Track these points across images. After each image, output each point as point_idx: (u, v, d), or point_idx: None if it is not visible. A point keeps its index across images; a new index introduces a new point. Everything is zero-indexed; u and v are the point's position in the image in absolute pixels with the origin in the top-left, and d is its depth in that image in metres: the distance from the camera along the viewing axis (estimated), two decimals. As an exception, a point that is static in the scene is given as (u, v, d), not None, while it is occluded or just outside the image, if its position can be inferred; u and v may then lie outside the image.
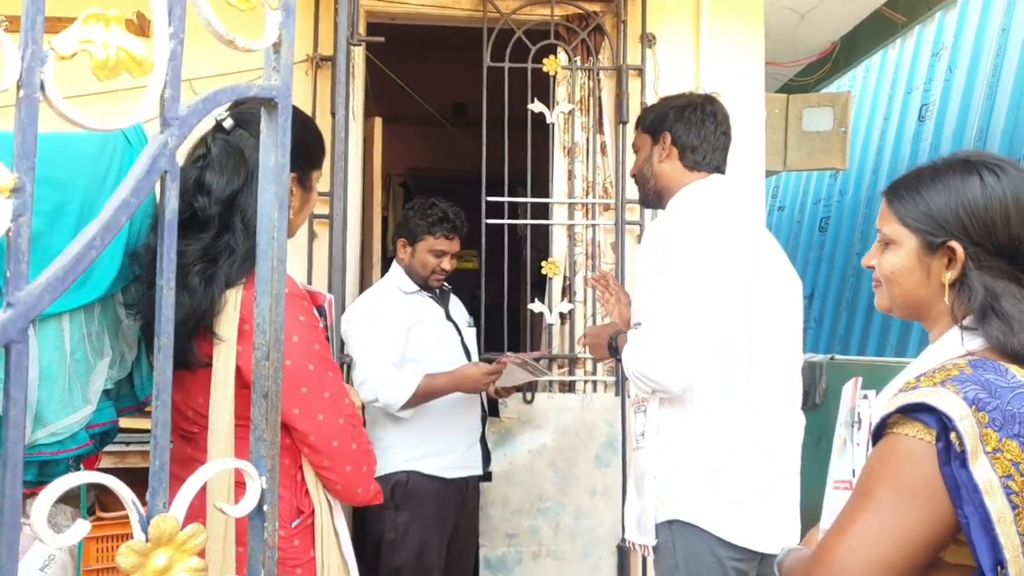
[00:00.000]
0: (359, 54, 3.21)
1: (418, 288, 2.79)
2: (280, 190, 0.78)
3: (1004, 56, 4.19)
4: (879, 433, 1.01)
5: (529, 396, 3.09)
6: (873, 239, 4.07)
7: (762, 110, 3.40)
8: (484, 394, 2.79)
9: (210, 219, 1.33)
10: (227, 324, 1.29)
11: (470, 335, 2.89)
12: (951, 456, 0.93)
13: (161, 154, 0.70)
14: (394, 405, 2.53)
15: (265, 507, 0.74)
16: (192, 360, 1.31)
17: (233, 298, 1.30)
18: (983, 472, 0.91)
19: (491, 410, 3.07)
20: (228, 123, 1.40)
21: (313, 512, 1.38)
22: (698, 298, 1.74)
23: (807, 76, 4.43)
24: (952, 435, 0.93)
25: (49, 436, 1.25)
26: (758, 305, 1.82)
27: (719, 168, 1.97)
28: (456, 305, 2.95)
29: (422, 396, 2.54)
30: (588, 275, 3.22)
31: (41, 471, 1.28)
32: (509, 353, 2.68)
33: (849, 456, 1.17)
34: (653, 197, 2.03)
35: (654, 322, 1.76)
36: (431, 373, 2.56)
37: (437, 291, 2.85)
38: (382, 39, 3.01)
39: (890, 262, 1.16)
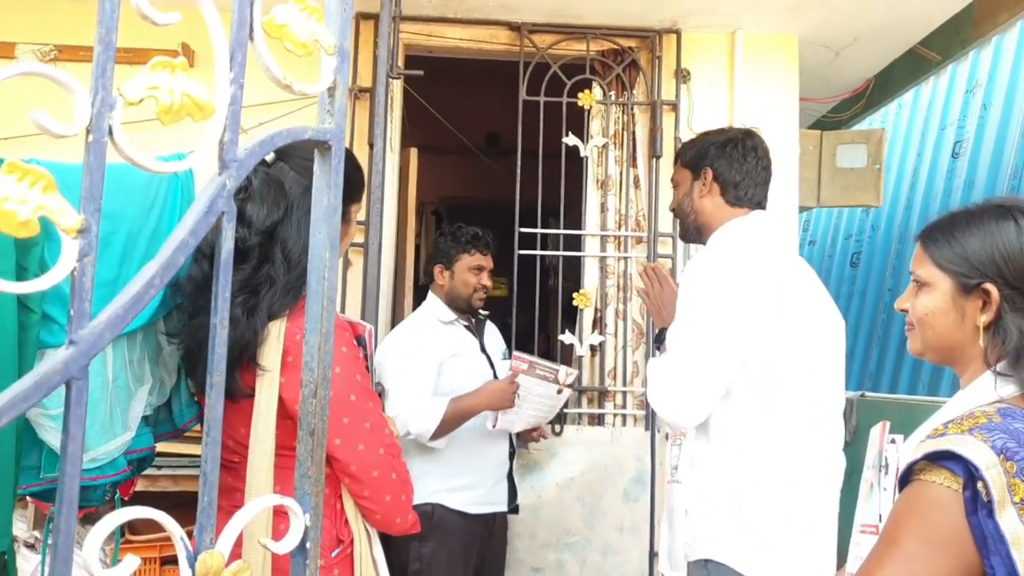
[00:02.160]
0: (397, 86, 3.27)
1: (455, 317, 2.79)
2: (332, 231, 0.79)
3: (1040, 94, 4.15)
4: (906, 479, 1.00)
5: (558, 428, 3.08)
6: (905, 275, 4.03)
7: (796, 146, 3.40)
8: (514, 433, 2.77)
9: (250, 250, 1.34)
10: (271, 355, 1.30)
11: (503, 368, 2.85)
12: (978, 506, 0.92)
13: (219, 195, 0.72)
14: (424, 435, 2.51)
15: (308, 544, 0.74)
16: (235, 390, 1.32)
17: (276, 330, 1.32)
18: (1010, 523, 0.90)
19: (519, 442, 3.05)
20: (269, 156, 1.41)
21: (352, 542, 1.38)
22: (723, 337, 1.69)
23: (841, 112, 4.42)
24: (979, 484, 0.92)
25: (89, 462, 1.27)
26: (798, 343, 1.77)
27: (760, 204, 1.93)
28: (491, 334, 2.95)
29: (451, 422, 2.51)
30: (619, 307, 3.22)
31: (81, 497, 1.30)
32: (517, 352, 2.64)
33: (876, 501, 1.16)
34: (693, 232, 2.00)
35: (675, 356, 1.72)
36: (455, 397, 2.54)
37: (473, 320, 2.86)
38: (421, 72, 3.05)
39: (924, 304, 1.15)
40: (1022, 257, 1.08)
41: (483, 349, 2.84)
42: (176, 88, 0.66)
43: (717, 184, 1.90)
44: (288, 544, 0.72)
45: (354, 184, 1.57)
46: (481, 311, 2.91)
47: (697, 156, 1.94)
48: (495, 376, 2.79)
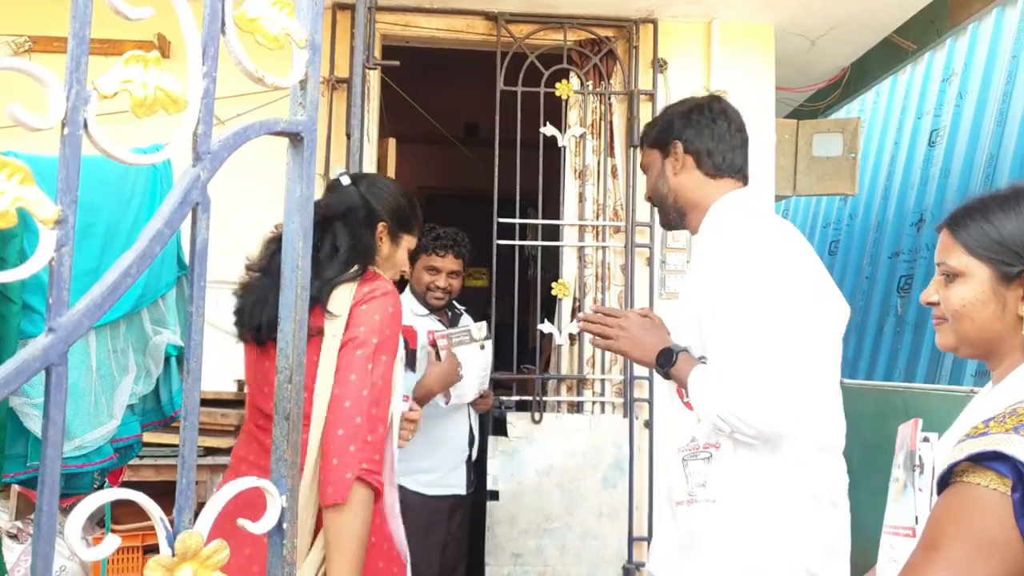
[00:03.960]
0: (374, 76, 3.27)
1: (428, 311, 2.88)
2: (305, 221, 0.81)
3: (1014, 83, 4.21)
4: (945, 481, 0.95)
5: (537, 416, 3.11)
6: (882, 263, 4.06)
7: (773, 135, 3.44)
8: (475, 416, 2.93)
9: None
10: (341, 304, 1.59)
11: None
12: None
13: (193, 187, 0.73)
14: None
15: (285, 525, 0.76)
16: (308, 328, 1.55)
17: (349, 288, 1.62)
18: None
19: (498, 429, 3.10)
20: (345, 180, 1.73)
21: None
22: (804, 326, 1.52)
23: (817, 101, 4.47)
24: None
25: (75, 450, 1.29)
26: (828, 335, 1.61)
27: (742, 170, 1.72)
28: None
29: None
30: (598, 296, 3.26)
31: (67, 484, 1.32)
32: (433, 331, 2.69)
33: (911, 502, 1.11)
34: (676, 216, 1.76)
35: (750, 359, 1.48)
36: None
37: (449, 314, 2.94)
38: (397, 63, 3.07)
39: (960, 295, 1.09)
40: None
41: None
42: (150, 82, 0.68)
43: (690, 156, 1.69)
44: (265, 525, 0.74)
45: (408, 216, 1.83)
46: (457, 305, 3.00)
47: (662, 131, 1.74)
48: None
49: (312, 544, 1.56)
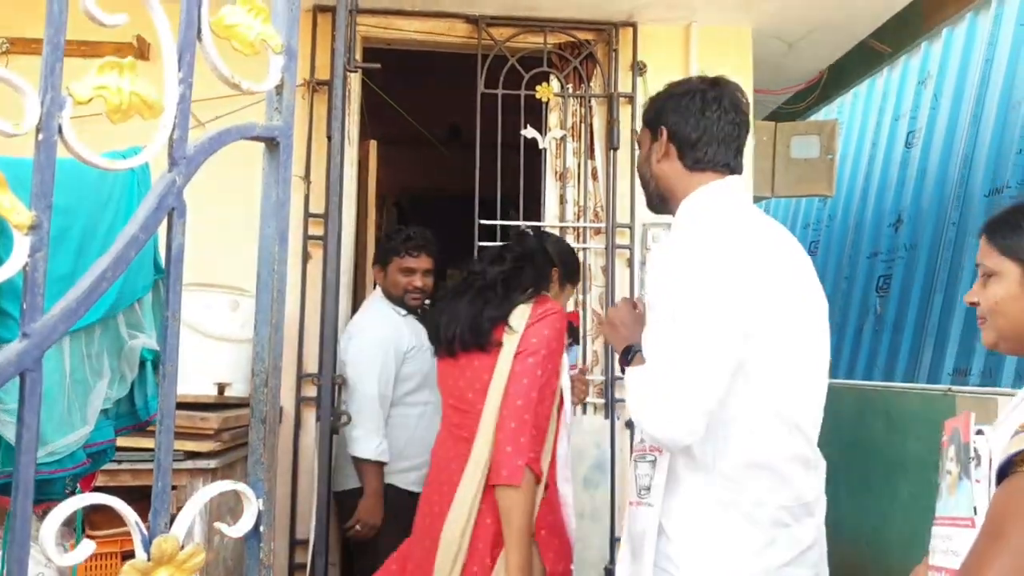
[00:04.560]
0: (355, 78, 3.27)
1: (407, 312, 2.93)
2: (281, 224, 0.82)
3: (987, 86, 4.27)
4: (1005, 471, 0.97)
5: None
6: (861, 262, 4.10)
7: (751, 137, 3.47)
8: None
9: (505, 258, 2.19)
10: (519, 321, 2.02)
11: None
12: None
13: (169, 192, 0.74)
14: (358, 451, 2.76)
15: (262, 528, 0.77)
16: (490, 343, 2.05)
17: (525, 308, 2.06)
18: None
19: None
20: (528, 232, 2.36)
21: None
22: (714, 332, 1.40)
23: (796, 103, 4.51)
24: None
25: (48, 455, 1.28)
26: (791, 336, 1.50)
27: (729, 166, 1.60)
28: None
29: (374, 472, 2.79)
30: (579, 297, 3.27)
31: (39, 490, 1.31)
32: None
33: (968, 493, 1.13)
34: (657, 201, 1.69)
35: (659, 361, 1.43)
36: (377, 466, 2.77)
37: (420, 312, 2.97)
38: (378, 65, 3.06)
39: (993, 293, 1.22)
40: None
41: None
42: (124, 88, 0.68)
43: (673, 144, 1.60)
44: (242, 528, 0.74)
45: (573, 268, 2.37)
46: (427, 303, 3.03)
47: (654, 112, 1.66)
48: None
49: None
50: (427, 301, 3.01)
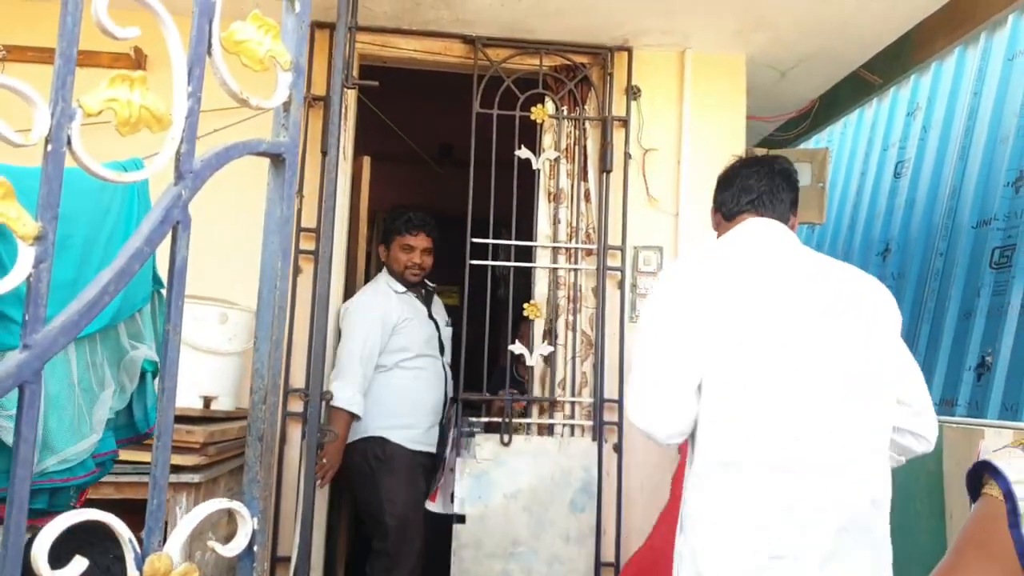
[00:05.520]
0: (351, 94, 3.28)
1: (405, 290, 3.27)
2: (284, 241, 0.81)
3: (976, 118, 4.33)
4: (976, 489, 1.03)
5: (506, 438, 3.11)
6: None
7: (743, 163, 3.49)
8: (450, 382, 3.36)
9: None
10: None
11: (447, 333, 3.43)
12: (1018, 518, 0.94)
13: (175, 205, 0.73)
14: (337, 402, 3.03)
15: (256, 548, 0.76)
16: None
17: None
18: None
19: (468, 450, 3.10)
20: None
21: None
22: (675, 337, 1.62)
23: (787, 131, 4.56)
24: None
25: (59, 463, 1.26)
26: (763, 350, 1.61)
27: (744, 212, 1.86)
28: (438, 305, 3.46)
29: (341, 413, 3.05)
30: (569, 318, 3.27)
31: (51, 499, 1.29)
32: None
33: None
34: None
35: (635, 364, 1.67)
36: (347, 415, 3.05)
37: (423, 291, 3.36)
38: (376, 83, 3.08)
39: None
40: None
41: (431, 316, 3.35)
42: (135, 101, 0.68)
43: (719, 214, 1.94)
44: (236, 547, 0.73)
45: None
46: (429, 283, 3.39)
47: (713, 198, 2.00)
48: (440, 338, 3.35)
49: None
50: (431, 284, 3.39)
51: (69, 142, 0.65)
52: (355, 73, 3.22)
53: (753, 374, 1.60)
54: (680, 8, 3.10)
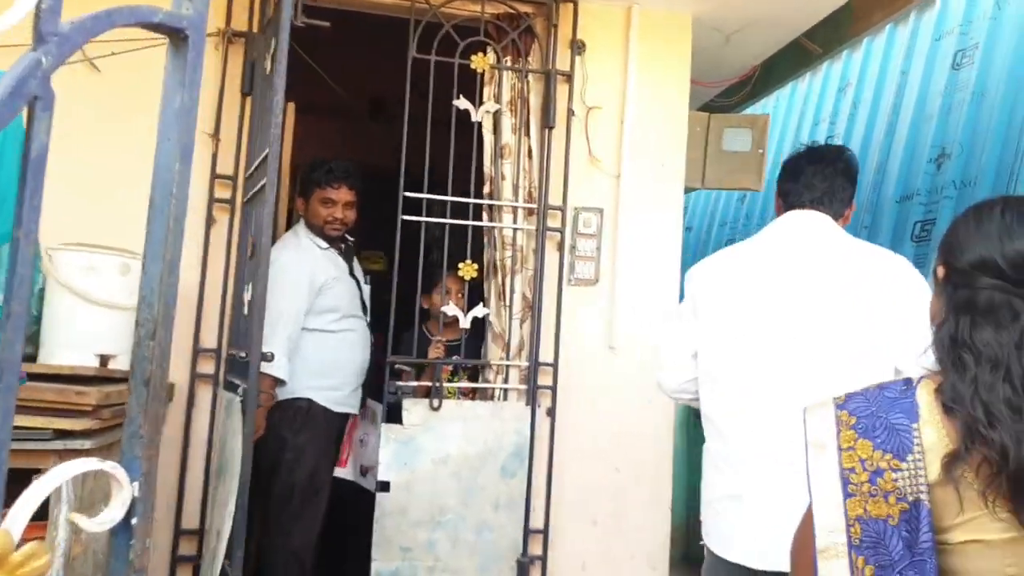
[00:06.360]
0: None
1: (328, 245, 3.08)
2: (185, 137, 0.64)
3: (903, 96, 4.36)
4: None
5: (436, 403, 2.96)
6: None
7: (685, 126, 3.41)
8: (373, 354, 3.21)
9: None
10: None
11: (366, 291, 3.29)
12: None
13: (31, 76, 0.55)
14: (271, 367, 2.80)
15: (134, 520, 0.59)
16: None
17: None
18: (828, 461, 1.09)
19: (392, 416, 2.93)
20: None
21: None
22: (682, 310, 2.07)
23: (727, 98, 4.50)
24: None
25: None
26: (743, 324, 1.92)
27: (810, 205, 2.03)
28: (357, 263, 3.31)
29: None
30: (508, 280, 3.13)
31: None
32: None
33: None
34: None
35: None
36: (271, 379, 2.84)
37: (343, 246, 3.18)
38: (327, 24, 2.67)
39: None
40: None
41: (352, 273, 3.18)
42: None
43: (782, 200, 2.10)
44: (107, 519, 0.57)
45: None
46: (349, 237, 3.22)
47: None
48: (362, 298, 3.20)
49: None
50: (350, 238, 3.22)
51: None
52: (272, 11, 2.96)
53: (732, 343, 1.92)
54: (628, -42, 2.96)
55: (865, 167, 4.51)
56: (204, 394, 2.93)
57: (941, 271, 1.16)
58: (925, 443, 1.03)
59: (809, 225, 2.00)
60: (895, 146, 4.35)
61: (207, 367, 2.93)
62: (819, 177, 2.02)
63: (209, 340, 2.93)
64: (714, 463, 1.94)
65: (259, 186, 2.60)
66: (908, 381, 1.11)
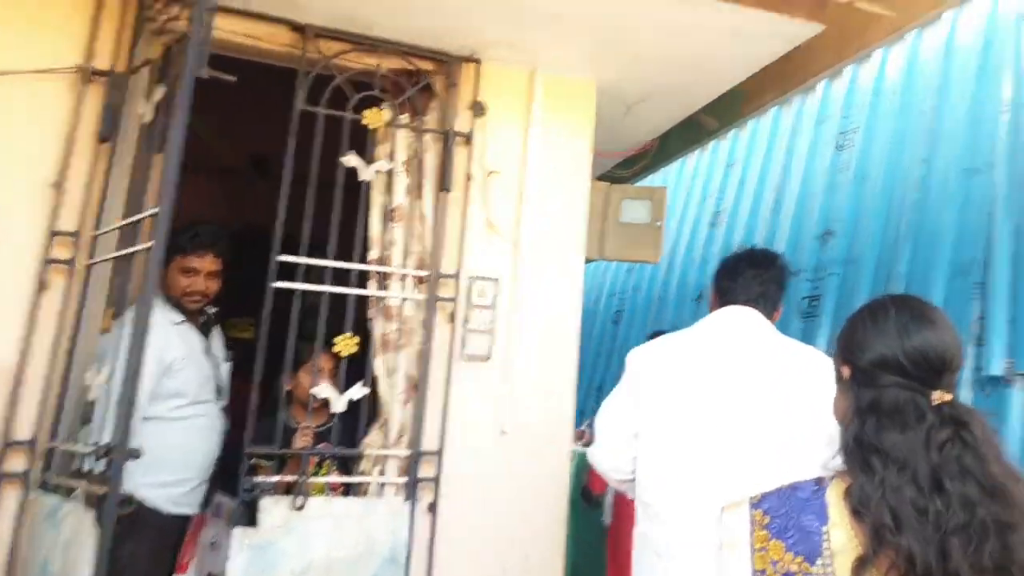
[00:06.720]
0: (146, 82, 2.69)
1: (183, 319, 2.73)
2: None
3: (789, 174, 4.46)
4: None
5: (300, 501, 2.56)
6: (665, 332, 3.87)
7: (587, 194, 3.29)
8: (222, 437, 2.79)
9: None
10: None
11: (225, 370, 2.89)
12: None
13: None
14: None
15: None
16: None
17: None
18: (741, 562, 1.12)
19: (250, 520, 2.53)
20: None
21: None
22: (621, 397, 2.19)
23: (625, 169, 4.48)
24: None
25: None
26: (676, 414, 2.05)
27: (744, 303, 2.19)
28: (216, 337, 2.92)
29: None
30: (390, 357, 2.84)
31: None
32: None
33: None
34: None
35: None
36: None
37: (201, 320, 2.82)
38: (233, 78, 2.31)
39: None
40: None
41: (209, 351, 2.80)
42: None
43: (717, 296, 2.27)
44: None
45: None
46: (210, 308, 2.85)
47: None
48: (218, 378, 2.80)
49: None
50: (211, 308, 2.85)
51: None
52: (154, 53, 2.66)
53: (670, 430, 2.04)
54: (531, 22, 2.83)
55: (752, 242, 4.56)
56: (10, 496, 2.40)
57: (847, 371, 1.19)
58: (834, 546, 1.05)
59: (744, 321, 2.16)
60: (782, 222, 4.41)
61: (17, 463, 2.43)
62: (757, 280, 2.20)
63: (23, 431, 2.43)
64: (654, 549, 2.01)
65: (133, 250, 2.29)
66: (820, 480, 1.13)
